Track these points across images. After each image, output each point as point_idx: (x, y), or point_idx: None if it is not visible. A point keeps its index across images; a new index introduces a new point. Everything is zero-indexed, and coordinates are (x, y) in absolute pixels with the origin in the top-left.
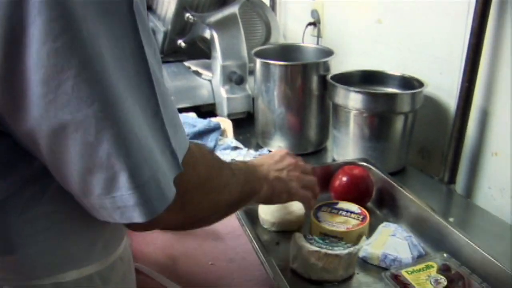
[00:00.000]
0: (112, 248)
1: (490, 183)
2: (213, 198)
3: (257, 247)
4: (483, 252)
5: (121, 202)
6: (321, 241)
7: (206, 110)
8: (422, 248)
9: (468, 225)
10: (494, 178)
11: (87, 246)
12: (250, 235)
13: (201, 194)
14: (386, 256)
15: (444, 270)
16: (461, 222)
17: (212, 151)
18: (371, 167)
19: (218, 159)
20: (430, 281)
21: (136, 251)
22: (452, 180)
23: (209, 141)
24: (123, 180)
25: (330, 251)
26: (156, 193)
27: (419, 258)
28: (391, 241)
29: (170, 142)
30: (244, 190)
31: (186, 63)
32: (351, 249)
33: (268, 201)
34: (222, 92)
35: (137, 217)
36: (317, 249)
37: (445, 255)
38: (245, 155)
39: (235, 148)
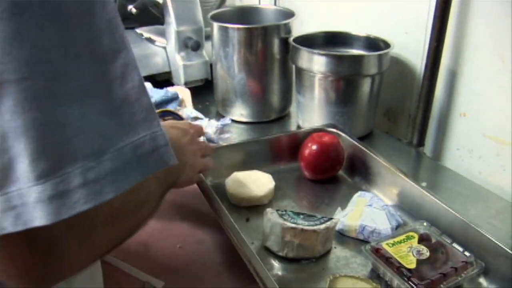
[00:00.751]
0: None
1: (459, 144)
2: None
3: (227, 226)
4: (462, 218)
5: (18, 199)
6: (295, 217)
7: (162, 79)
8: (399, 217)
9: (439, 188)
10: (463, 139)
11: None
12: (219, 212)
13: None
14: (364, 227)
15: (424, 239)
16: (432, 185)
17: None
18: (340, 133)
19: None
20: (413, 253)
21: None
22: (421, 142)
23: None
24: (21, 167)
25: (307, 227)
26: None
27: (398, 228)
28: (368, 212)
29: (158, 121)
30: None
31: (138, 30)
32: (329, 223)
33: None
34: (178, 60)
35: (38, 220)
36: (293, 225)
37: (425, 224)
38: (206, 125)
39: (195, 118)
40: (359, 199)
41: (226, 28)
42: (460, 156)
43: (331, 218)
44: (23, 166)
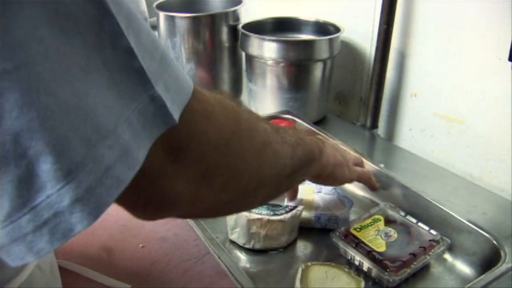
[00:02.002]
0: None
1: (411, 125)
2: (252, 165)
3: (192, 221)
4: (425, 197)
5: (49, 209)
6: (260, 208)
7: None
8: (349, 197)
9: (396, 169)
10: (415, 119)
11: None
12: None
13: (230, 158)
14: (320, 216)
15: (391, 221)
16: (389, 166)
17: (239, 101)
18: (296, 119)
19: (249, 110)
20: (381, 236)
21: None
22: (374, 125)
23: None
24: (45, 169)
25: (272, 217)
26: (106, 173)
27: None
28: (318, 199)
29: (151, 83)
30: (299, 153)
31: None
32: (294, 211)
33: (332, 173)
34: None
35: (79, 224)
36: (259, 216)
37: (389, 205)
38: None
39: None
40: (307, 187)
41: (173, 17)
42: (412, 136)
43: (296, 207)
44: (47, 167)
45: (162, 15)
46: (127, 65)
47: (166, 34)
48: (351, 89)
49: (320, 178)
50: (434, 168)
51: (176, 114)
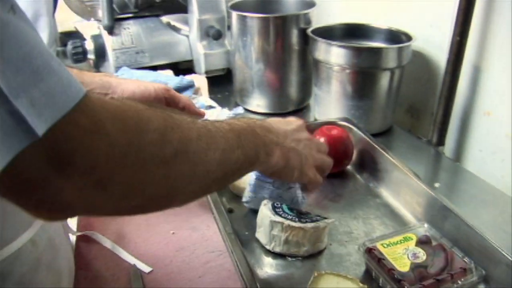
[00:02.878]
0: (9, 237)
1: (481, 146)
2: (157, 174)
3: (217, 215)
4: (466, 222)
5: None
6: (288, 211)
7: (184, 68)
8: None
9: (455, 191)
10: (486, 140)
11: None
12: (210, 202)
13: (128, 170)
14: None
15: (423, 242)
16: (448, 187)
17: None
18: (352, 127)
19: (172, 115)
20: (408, 255)
21: (93, 218)
22: (440, 142)
23: None
24: None
25: (294, 223)
26: None
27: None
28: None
29: (8, 99)
30: (234, 157)
31: (163, 18)
32: (320, 222)
33: (277, 174)
34: (199, 48)
35: None
36: (281, 220)
37: (425, 225)
38: (218, 114)
39: (210, 107)
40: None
41: (244, 17)
42: (482, 158)
43: (325, 218)
44: None
45: (235, 14)
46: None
47: (238, 33)
48: (424, 102)
49: (266, 174)
50: (498, 194)
51: (40, 129)
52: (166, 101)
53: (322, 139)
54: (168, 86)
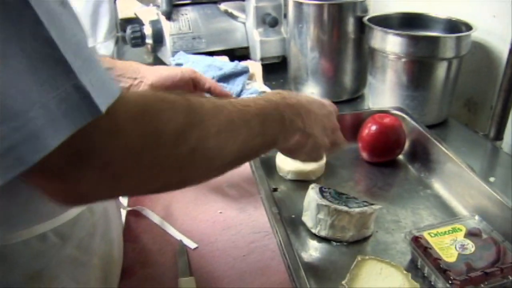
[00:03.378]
0: None
1: None
2: (173, 169)
3: (264, 196)
4: None
5: None
6: (336, 196)
7: (240, 54)
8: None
9: (510, 186)
10: None
11: (33, 203)
12: (260, 183)
13: (142, 167)
14: None
15: (473, 234)
16: (504, 183)
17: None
18: (406, 116)
19: (195, 108)
20: (455, 246)
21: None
22: (498, 136)
23: (236, 85)
24: None
25: (340, 207)
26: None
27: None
28: None
29: (75, 73)
30: (253, 144)
31: (221, 5)
32: (366, 208)
33: (287, 152)
34: (255, 35)
35: None
36: (328, 203)
37: (476, 217)
38: None
39: (263, 93)
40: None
41: (300, 4)
42: None
43: (373, 204)
44: None
45: (291, 1)
46: (48, 54)
47: (293, 20)
48: (482, 96)
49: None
50: None
51: (102, 106)
52: (193, 83)
53: (373, 127)
54: (194, 70)
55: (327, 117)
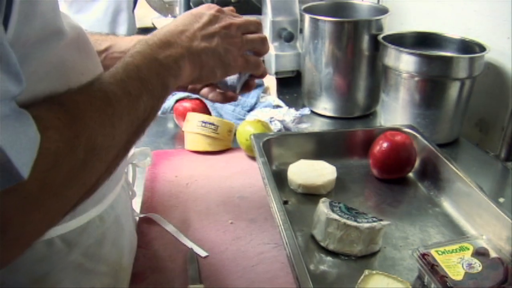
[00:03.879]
0: (81, 209)
1: None
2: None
3: (275, 208)
4: None
5: None
6: (345, 211)
7: None
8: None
9: None
10: None
11: None
12: (271, 195)
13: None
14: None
15: (480, 254)
16: None
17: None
18: (417, 135)
19: (81, 123)
20: (462, 265)
21: (156, 202)
22: (509, 157)
23: (251, 97)
24: None
25: (350, 222)
26: None
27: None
28: None
29: None
30: (142, 108)
31: None
32: (375, 224)
33: (198, 81)
34: (271, 49)
35: None
36: (337, 217)
37: (484, 237)
38: (285, 113)
39: (277, 106)
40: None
41: (317, 20)
42: None
43: (381, 220)
44: None
45: (307, 17)
46: None
47: (309, 36)
48: (494, 116)
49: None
50: None
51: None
52: None
53: (385, 144)
54: None
55: (210, 23)
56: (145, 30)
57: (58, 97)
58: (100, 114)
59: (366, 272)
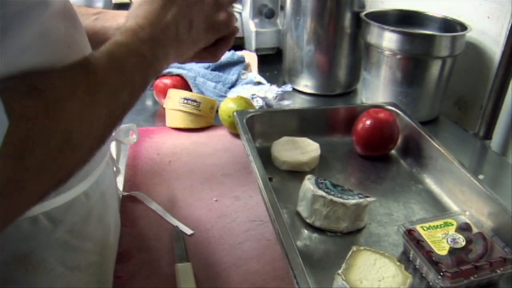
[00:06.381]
0: (66, 186)
1: None
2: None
3: (261, 185)
4: (509, 212)
5: None
6: (331, 187)
7: (235, 44)
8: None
9: (499, 185)
10: None
11: None
12: (257, 172)
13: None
14: None
15: (463, 229)
16: (492, 180)
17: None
18: (399, 112)
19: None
20: (447, 240)
21: (139, 180)
22: (488, 135)
23: (231, 74)
24: None
25: (336, 199)
26: None
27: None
28: None
29: None
30: (119, 103)
31: None
32: (361, 200)
33: (186, 51)
34: (251, 26)
35: None
36: (324, 194)
37: (467, 213)
38: (267, 90)
39: (258, 83)
40: None
41: None
42: None
43: (367, 196)
44: None
45: None
46: None
47: (291, 13)
48: (473, 95)
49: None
50: None
51: None
52: None
53: (368, 121)
54: None
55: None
56: (122, 6)
57: (39, 79)
58: (80, 105)
59: (354, 248)
